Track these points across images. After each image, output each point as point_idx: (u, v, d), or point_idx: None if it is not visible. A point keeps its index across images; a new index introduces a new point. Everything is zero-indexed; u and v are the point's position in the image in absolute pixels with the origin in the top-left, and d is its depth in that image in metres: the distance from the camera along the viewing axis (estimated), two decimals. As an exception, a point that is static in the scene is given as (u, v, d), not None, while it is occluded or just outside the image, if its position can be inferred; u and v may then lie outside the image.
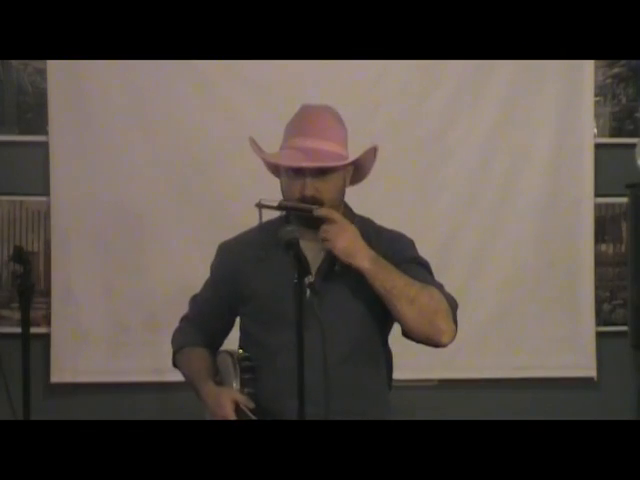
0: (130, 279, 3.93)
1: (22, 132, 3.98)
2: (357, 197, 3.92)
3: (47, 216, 3.94)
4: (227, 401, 2.46)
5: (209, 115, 3.93)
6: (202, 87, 3.96)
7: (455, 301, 2.56)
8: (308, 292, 2.49)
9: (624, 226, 4.08)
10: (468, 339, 4.01)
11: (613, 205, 4.11)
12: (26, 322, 3.35)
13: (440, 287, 2.56)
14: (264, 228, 2.59)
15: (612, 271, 4.13)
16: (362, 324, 2.56)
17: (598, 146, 4.09)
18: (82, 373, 3.93)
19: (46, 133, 3.94)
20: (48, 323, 3.92)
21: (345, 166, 2.58)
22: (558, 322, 4.07)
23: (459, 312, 3.93)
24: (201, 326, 2.71)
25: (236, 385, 2.50)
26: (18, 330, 3.44)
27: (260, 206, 2.49)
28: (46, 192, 3.94)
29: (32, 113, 3.97)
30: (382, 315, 2.56)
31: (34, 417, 3.32)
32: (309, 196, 2.51)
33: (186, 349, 2.70)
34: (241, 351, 2.58)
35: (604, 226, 4.12)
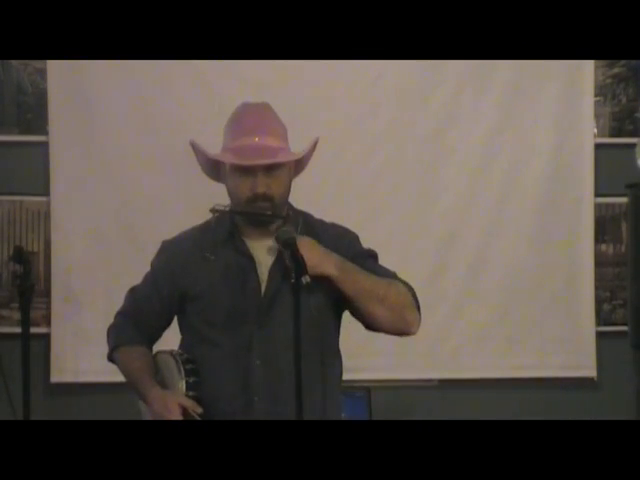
0: (130, 279, 3.93)
1: (22, 132, 3.98)
2: (358, 196, 3.96)
3: (47, 216, 3.95)
4: (175, 405, 2.45)
5: (209, 115, 3.93)
6: (202, 87, 3.97)
7: (412, 288, 2.59)
8: (265, 288, 2.52)
9: (624, 226, 4.08)
10: (468, 339, 4.02)
11: (613, 205, 4.11)
12: (26, 322, 3.36)
13: (395, 275, 2.59)
14: (208, 228, 2.61)
15: (612, 271, 4.13)
16: (316, 324, 2.55)
17: (598, 146, 4.09)
18: (82, 373, 3.93)
19: (46, 133, 3.94)
20: (48, 323, 3.93)
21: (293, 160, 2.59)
22: (558, 322, 4.07)
23: (459, 312, 3.98)
24: (139, 323, 2.69)
25: (181, 388, 2.50)
26: (18, 330, 3.45)
27: (214, 211, 2.51)
28: (46, 192, 3.94)
29: (32, 113, 3.97)
30: (335, 317, 2.59)
31: (34, 417, 3.33)
32: (261, 193, 2.50)
33: (125, 347, 2.67)
34: (181, 352, 2.58)
35: (604, 226, 4.12)
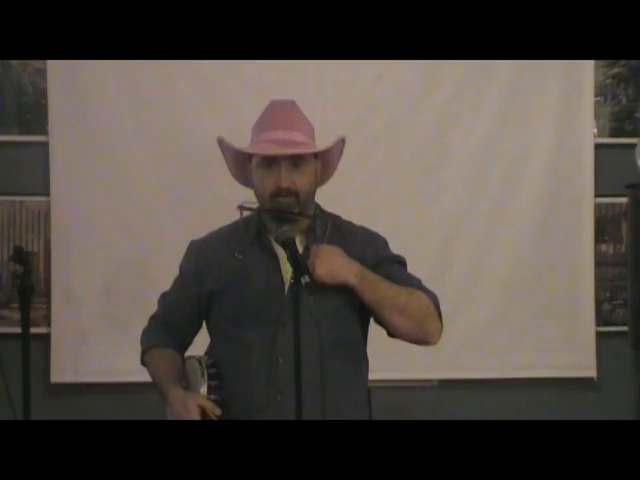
0: (130, 279, 3.94)
1: (22, 132, 3.98)
2: (358, 196, 3.96)
3: (47, 216, 3.94)
4: (194, 406, 2.47)
5: (209, 115, 3.93)
6: (202, 87, 3.97)
7: (436, 297, 2.59)
8: (287, 288, 2.53)
9: (624, 226, 4.08)
10: (468, 339, 4.02)
11: (613, 205, 4.11)
12: (26, 322, 3.35)
13: (419, 283, 2.60)
14: (237, 227, 2.62)
15: (612, 271, 4.13)
16: (342, 324, 2.57)
17: (598, 146, 4.09)
18: (82, 373, 3.93)
19: (46, 133, 3.94)
20: (48, 323, 3.93)
21: (316, 156, 2.59)
22: (558, 322, 4.07)
23: (459, 312, 3.99)
24: (169, 326, 2.71)
25: (203, 391, 2.52)
26: (18, 330, 3.44)
27: (241, 209, 2.52)
28: (46, 192, 3.94)
29: (32, 113, 3.97)
30: (359, 319, 2.59)
31: (34, 417, 3.32)
32: (284, 187, 2.51)
33: (154, 350, 2.70)
34: (207, 357, 2.60)
35: (604, 226, 4.12)
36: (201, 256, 2.67)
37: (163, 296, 2.77)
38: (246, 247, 2.61)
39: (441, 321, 2.57)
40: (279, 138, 2.53)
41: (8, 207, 3.96)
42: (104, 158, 3.94)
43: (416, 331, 2.54)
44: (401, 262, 2.66)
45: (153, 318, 2.77)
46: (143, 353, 2.74)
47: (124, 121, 3.94)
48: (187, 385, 2.60)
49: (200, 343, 2.74)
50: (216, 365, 2.57)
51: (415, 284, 2.59)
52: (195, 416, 2.46)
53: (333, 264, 2.47)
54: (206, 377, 2.53)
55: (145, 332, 2.77)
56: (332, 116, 3.86)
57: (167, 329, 2.72)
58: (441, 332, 2.58)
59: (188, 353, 2.73)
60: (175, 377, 2.60)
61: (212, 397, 2.51)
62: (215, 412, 2.48)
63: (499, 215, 4.06)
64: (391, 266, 2.60)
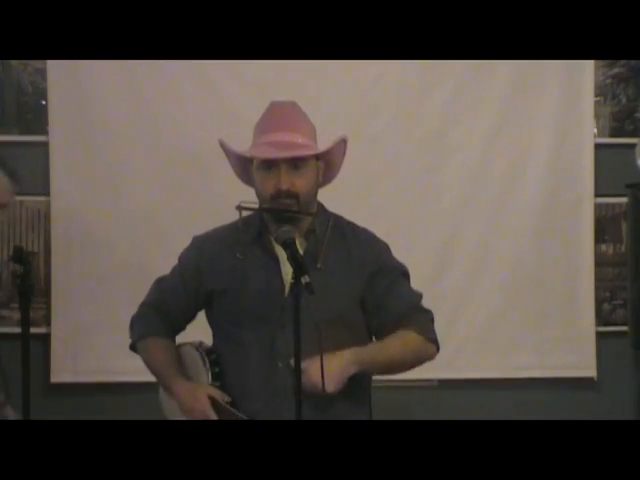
0: (130, 279, 3.93)
1: (22, 132, 3.98)
2: (358, 197, 3.96)
3: (47, 216, 3.94)
4: (203, 396, 2.49)
5: (209, 115, 3.93)
6: (203, 87, 3.96)
7: (432, 316, 2.64)
8: (288, 289, 2.53)
9: (624, 226, 4.08)
10: (468, 339, 4.02)
11: (613, 205, 4.11)
12: (26, 322, 3.35)
13: (418, 301, 2.63)
14: (240, 226, 2.61)
15: (612, 271, 4.13)
16: (343, 325, 2.57)
17: (598, 146, 4.09)
18: (82, 373, 3.93)
19: (46, 133, 3.94)
20: (48, 323, 3.93)
21: (318, 156, 2.58)
22: (558, 322, 4.07)
23: (459, 312, 3.99)
24: (163, 314, 2.71)
25: (208, 379, 2.52)
26: (18, 330, 3.44)
27: (240, 208, 2.51)
28: (46, 192, 3.94)
29: (32, 113, 3.97)
30: (362, 318, 2.60)
31: (34, 417, 3.32)
32: (284, 190, 2.51)
33: (150, 339, 2.70)
34: (201, 342, 2.61)
35: (604, 226, 4.12)
36: (203, 253, 2.67)
37: (158, 282, 2.76)
38: (247, 247, 2.61)
39: (437, 343, 2.63)
40: (279, 140, 2.52)
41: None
42: (104, 158, 3.94)
43: (415, 365, 2.65)
44: (403, 272, 2.66)
45: (146, 304, 2.76)
46: (136, 341, 2.73)
47: (124, 121, 3.94)
48: (186, 373, 2.59)
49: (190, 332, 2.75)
50: (213, 351, 2.57)
51: (414, 301, 2.62)
52: (206, 406, 2.47)
53: (332, 373, 2.44)
54: (208, 365, 2.53)
55: (137, 319, 2.76)
56: (332, 116, 3.85)
57: (161, 317, 2.71)
58: (437, 351, 2.65)
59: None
60: (176, 368, 2.61)
61: (217, 384, 2.52)
62: (225, 399, 2.48)
63: (499, 215, 4.06)
64: (391, 278, 2.61)
